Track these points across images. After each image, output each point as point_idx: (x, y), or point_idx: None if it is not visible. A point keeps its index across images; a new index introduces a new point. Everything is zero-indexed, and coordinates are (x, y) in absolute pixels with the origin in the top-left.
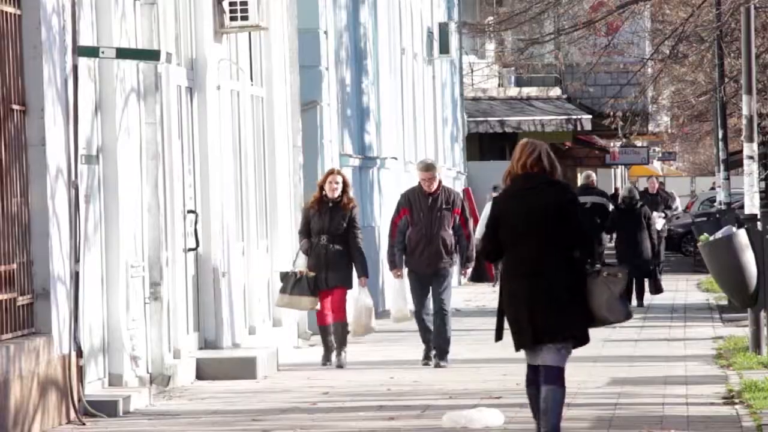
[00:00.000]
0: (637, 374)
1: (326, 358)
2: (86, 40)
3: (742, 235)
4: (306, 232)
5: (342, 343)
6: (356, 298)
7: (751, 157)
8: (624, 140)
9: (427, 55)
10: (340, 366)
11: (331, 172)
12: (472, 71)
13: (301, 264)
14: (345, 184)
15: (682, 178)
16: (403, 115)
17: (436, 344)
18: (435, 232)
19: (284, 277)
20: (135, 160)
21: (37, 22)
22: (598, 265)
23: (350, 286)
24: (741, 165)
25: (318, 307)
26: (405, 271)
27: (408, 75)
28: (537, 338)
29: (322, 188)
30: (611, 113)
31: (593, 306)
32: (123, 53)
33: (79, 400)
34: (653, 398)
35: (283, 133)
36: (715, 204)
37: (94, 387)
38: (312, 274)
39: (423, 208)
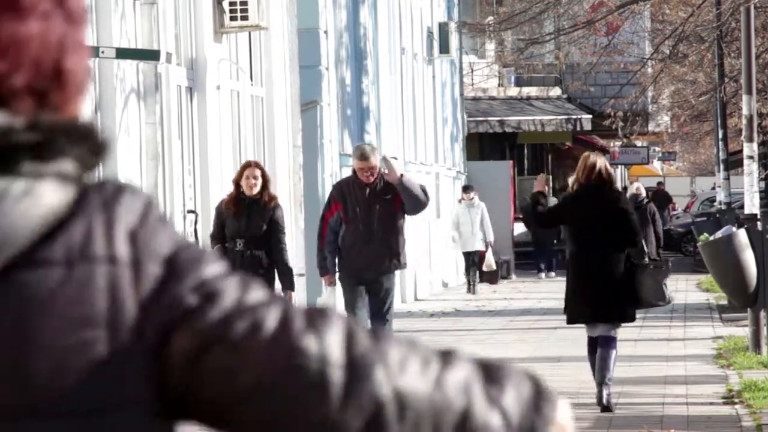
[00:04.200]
0: (637, 374)
1: None
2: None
3: (742, 235)
4: (219, 236)
5: None
6: None
7: (751, 157)
8: (624, 140)
9: (427, 55)
10: None
11: (248, 165)
12: (472, 71)
13: None
14: (265, 178)
15: (682, 178)
16: (403, 115)
17: None
18: (374, 229)
19: None
20: (135, 160)
21: None
22: (646, 260)
23: None
24: (741, 165)
25: None
26: (338, 277)
27: (408, 75)
28: (594, 318)
29: (238, 185)
30: (611, 113)
31: (641, 293)
32: (123, 53)
33: None
34: (653, 398)
35: (283, 133)
36: (715, 204)
37: None
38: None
39: (359, 202)
